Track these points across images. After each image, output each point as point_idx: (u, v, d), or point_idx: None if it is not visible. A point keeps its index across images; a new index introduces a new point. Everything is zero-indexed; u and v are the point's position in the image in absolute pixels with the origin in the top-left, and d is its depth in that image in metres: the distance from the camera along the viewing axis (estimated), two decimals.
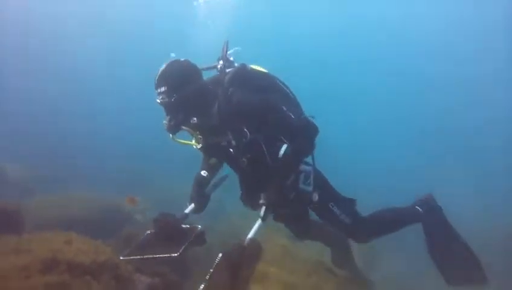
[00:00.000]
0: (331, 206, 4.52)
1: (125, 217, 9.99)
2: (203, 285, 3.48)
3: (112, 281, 4.98)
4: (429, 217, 4.67)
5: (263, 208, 4.13)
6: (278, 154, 4.16)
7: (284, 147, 4.18)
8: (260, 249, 4.09)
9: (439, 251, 4.58)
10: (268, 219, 4.19)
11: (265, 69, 4.57)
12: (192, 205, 4.58)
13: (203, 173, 4.59)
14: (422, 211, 4.73)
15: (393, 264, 7.86)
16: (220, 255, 3.64)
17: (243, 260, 3.59)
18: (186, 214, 4.48)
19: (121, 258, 3.87)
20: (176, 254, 3.60)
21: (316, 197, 4.44)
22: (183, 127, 4.18)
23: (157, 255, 3.72)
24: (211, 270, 3.56)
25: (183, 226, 4.22)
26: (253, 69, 4.38)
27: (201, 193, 4.61)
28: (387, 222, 4.83)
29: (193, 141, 4.23)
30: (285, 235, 6.07)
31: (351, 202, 4.76)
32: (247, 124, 4.02)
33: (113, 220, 9.18)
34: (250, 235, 3.93)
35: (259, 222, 4.08)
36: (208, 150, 4.42)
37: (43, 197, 9.45)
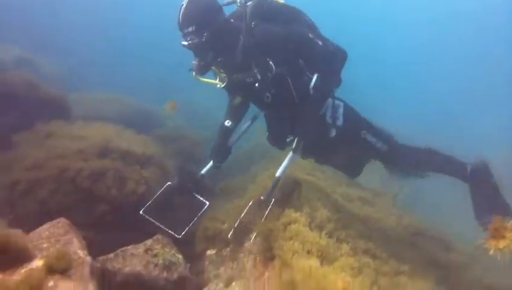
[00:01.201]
0: (363, 135, 4.32)
1: (157, 121, 10.40)
2: (236, 224, 3.61)
3: (158, 171, 5.45)
4: (476, 179, 4.07)
5: (296, 140, 4.01)
6: (304, 89, 4.02)
7: (314, 78, 4.00)
8: (298, 184, 4.24)
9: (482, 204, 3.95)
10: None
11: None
12: (211, 163, 4.61)
13: (227, 122, 4.44)
14: (470, 170, 4.16)
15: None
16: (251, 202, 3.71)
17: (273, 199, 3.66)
18: (203, 176, 4.59)
19: (140, 213, 4.18)
20: (179, 236, 3.91)
21: (342, 129, 4.24)
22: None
23: (165, 228, 4.06)
24: (245, 210, 3.65)
25: (196, 196, 4.46)
26: (274, 0, 4.17)
27: (223, 146, 4.51)
28: (428, 158, 4.39)
29: (217, 80, 4.13)
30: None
31: (386, 131, 4.47)
32: (273, 56, 3.86)
33: (147, 122, 9.60)
34: (282, 168, 3.90)
35: (290, 154, 4.00)
36: (232, 88, 4.24)
37: (81, 94, 9.77)
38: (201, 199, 4.33)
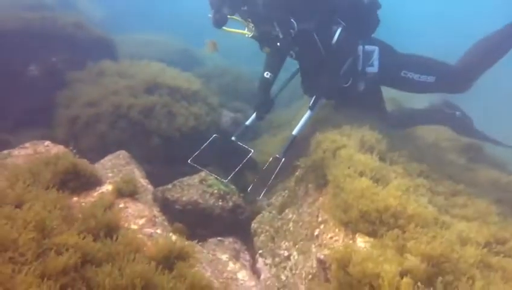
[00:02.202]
0: (404, 75, 4.27)
1: (197, 61, 10.42)
2: (256, 179, 3.78)
3: (204, 107, 5.53)
4: None
5: (313, 98, 4.06)
6: (329, 43, 3.93)
7: (338, 31, 3.91)
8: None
9: None
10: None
11: None
12: (254, 115, 4.56)
13: (266, 74, 4.29)
14: None
15: None
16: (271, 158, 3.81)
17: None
18: (247, 127, 4.59)
19: (189, 161, 4.29)
20: (225, 180, 3.95)
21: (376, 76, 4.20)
22: (235, 17, 4.05)
23: (213, 175, 4.14)
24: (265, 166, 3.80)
25: (241, 144, 4.54)
26: None
27: (266, 98, 4.46)
28: (484, 55, 4.41)
29: (245, 30, 4.12)
30: None
31: (427, 60, 4.44)
32: (295, 11, 3.77)
33: (188, 61, 9.64)
34: (299, 126, 3.94)
35: (308, 112, 4.02)
36: (259, 39, 4.19)
37: (124, 35, 9.85)
38: (245, 147, 4.43)
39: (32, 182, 2.40)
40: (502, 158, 4.66)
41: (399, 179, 2.76)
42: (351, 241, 2.25)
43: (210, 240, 3.63)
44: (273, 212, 3.81)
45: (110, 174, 3.38)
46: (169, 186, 4.03)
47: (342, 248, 2.09)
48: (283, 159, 3.74)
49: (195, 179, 4.09)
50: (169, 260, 2.01)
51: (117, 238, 2.05)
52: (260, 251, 3.30)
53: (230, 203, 3.88)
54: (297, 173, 3.81)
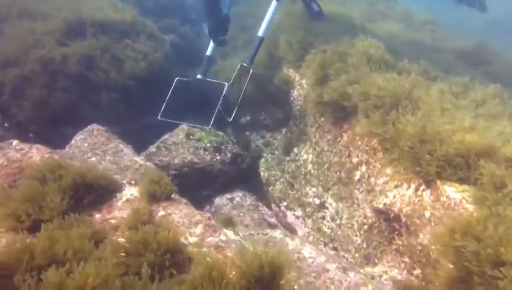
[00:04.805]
0: None
1: None
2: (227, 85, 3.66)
3: (149, 41, 4.67)
4: None
5: None
6: None
7: None
8: None
9: None
10: None
11: None
12: (212, 42, 4.03)
13: None
14: None
15: None
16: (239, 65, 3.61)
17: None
18: (209, 57, 4.15)
19: (159, 118, 3.68)
20: (208, 127, 3.57)
21: None
22: None
23: (192, 125, 3.66)
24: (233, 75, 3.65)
25: (210, 80, 4.02)
26: None
27: (218, 14, 3.81)
28: None
29: None
30: None
31: None
32: None
33: None
34: (265, 25, 3.63)
35: (274, 3, 3.65)
36: None
37: None
38: (217, 81, 3.96)
39: (38, 211, 1.83)
40: None
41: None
42: (422, 190, 2.08)
43: (218, 200, 3.35)
44: (276, 153, 3.58)
45: (93, 158, 2.78)
46: (153, 149, 3.53)
47: (462, 214, 1.75)
48: (251, 71, 3.53)
49: (179, 135, 3.62)
50: (263, 280, 1.68)
51: (189, 264, 1.69)
52: (284, 203, 3.12)
53: (229, 155, 3.55)
54: (289, 103, 3.52)
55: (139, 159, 2.83)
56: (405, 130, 2.13)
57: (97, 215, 2.01)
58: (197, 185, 3.40)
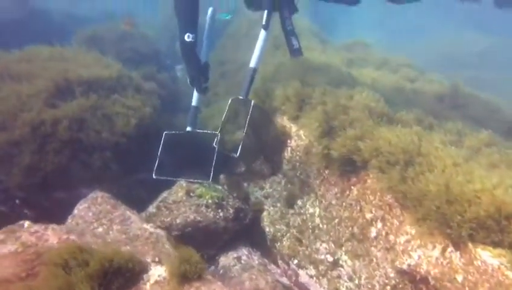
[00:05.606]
0: None
1: None
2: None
3: (137, 95, 4.66)
4: None
5: (264, 14, 3.60)
6: None
7: None
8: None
9: None
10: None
11: None
12: (195, 91, 4.11)
13: (187, 37, 3.71)
14: None
15: None
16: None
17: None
18: (195, 108, 4.18)
19: (154, 176, 3.68)
20: (209, 181, 3.56)
21: None
22: None
23: (190, 180, 3.62)
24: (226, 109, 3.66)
25: (200, 131, 4.10)
26: None
27: (197, 65, 3.89)
28: None
29: None
30: None
31: None
32: None
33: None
34: (257, 56, 3.61)
35: (263, 33, 3.62)
36: None
37: None
38: (208, 132, 3.99)
39: None
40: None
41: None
42: (450, 251, 2.05)
43: (224, 260, 3.29)
44: (278, 205, 3.58)
45: (100, 229, 2.69)
46: (153, 209, 3.46)
47: (502, 282, 1.71)
48: (252, 102, 3.52)
49: (178, 192, 3.57)
50: None
51: None
52: (295, 261, 3.09)
53: (231, 210, 3.52)
54: (287, 154, 3.57)
55: (149, 227, 2.76)
56: (428, 189, 2.19)
57: None
58: (201, 245, 3.33)
